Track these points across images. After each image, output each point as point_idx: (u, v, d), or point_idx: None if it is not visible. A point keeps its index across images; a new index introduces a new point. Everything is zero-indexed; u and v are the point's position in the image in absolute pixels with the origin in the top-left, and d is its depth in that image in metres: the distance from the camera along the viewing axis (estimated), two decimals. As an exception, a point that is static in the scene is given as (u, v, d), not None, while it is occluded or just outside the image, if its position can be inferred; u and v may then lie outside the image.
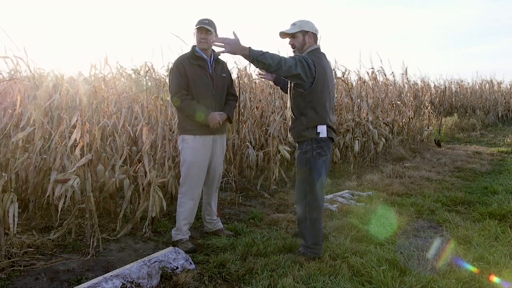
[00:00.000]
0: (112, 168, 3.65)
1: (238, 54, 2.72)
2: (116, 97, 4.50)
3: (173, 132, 4.10)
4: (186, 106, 3.23)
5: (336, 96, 6.51)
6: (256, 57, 2.68)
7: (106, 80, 4.67)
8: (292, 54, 3.12)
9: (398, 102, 8.30)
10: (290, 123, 3.17)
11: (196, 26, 3.26)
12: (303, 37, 3.05)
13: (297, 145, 3.16)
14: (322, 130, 2.98)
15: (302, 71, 2.82)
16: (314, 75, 2.89)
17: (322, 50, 3.12)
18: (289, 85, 3.16)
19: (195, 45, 3.34)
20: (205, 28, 3.23)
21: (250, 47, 2.69)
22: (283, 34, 3.10)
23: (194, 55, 3.30)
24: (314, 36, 3.09)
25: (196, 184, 3.34)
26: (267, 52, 2.72)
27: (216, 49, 3.18)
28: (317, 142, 2.99)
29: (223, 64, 3.49)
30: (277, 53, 2.78)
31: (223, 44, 2.68)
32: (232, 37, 2.68)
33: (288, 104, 3.16)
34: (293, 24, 3.07)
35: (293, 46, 3.10)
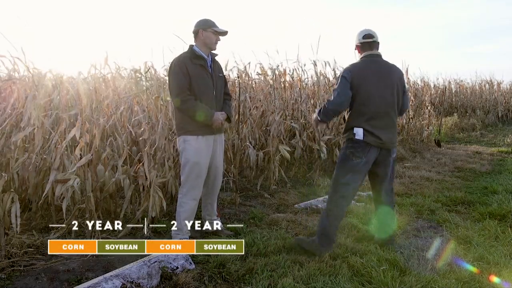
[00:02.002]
0: (112, 168, 3.65)
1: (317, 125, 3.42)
2: (116, 97, 4.50)
3: (173, 132, 4.10)
4: (192, 107, 3.20)
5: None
6: (317, 120, 3.24)
7: (106, 80, 4.67)
8: None
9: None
10: None
11: (214, 27, 3.28)
12: (356, 50, 3.32)
13: None
14: (358, 132, 3.10)
15: (347, 95, 3.08)
16: (350, 87, 3.09)
17: (377, 57, 3.25)
18: None
19: (193, 45, 3.34)
20: (226, 32, 3.34)
21: (317, 116, 3.23)
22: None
23: (195, 54, 3.28)
24: (362, 46, 3.24)
25: (198, 185, 3.33)
26: (319, 111, 3.19)
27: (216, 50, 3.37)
28: (352, 142, 3.12)
29: (219, 65, 3.52)
30: None
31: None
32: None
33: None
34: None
35: None
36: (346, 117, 3.27)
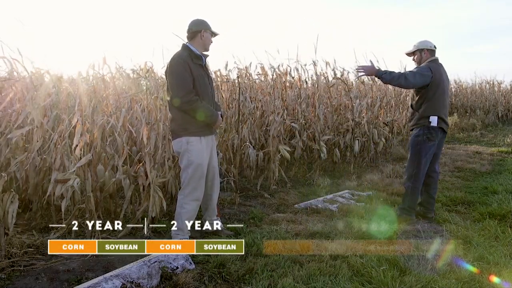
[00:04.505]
0: (112, 168, 3.65)
1: (372, 76, 4.21)
2: (116, 97, 4.49)
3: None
4: (198, 107, 3.20)
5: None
6: (379, 76, 3.89)
7: (105, 80, 4.66)
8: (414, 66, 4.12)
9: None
10: (409, 115, 4.22)
11: (211, 30, 3.34)
12: (420, 54, 4.05)
13: (412, 131, 4.14)
14: (433, 120, 3.89)
15: (422, 81, 3.85)
16: (431, 80, 3.85)
17: (439, 61, 4.06)
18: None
19: (188, 43, 3.33)
20: (217, 35, 3.44)
21: (378, 69, 3.94)
22: (407, 54, 4.17)
23: (195, 54, 3.28)
24: (430, 51, 4.04)
25: (201, 186, 3.34)
26: (390, 72, 3.88)
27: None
28: (428, 129, 3.91)
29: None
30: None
31: (362, 69, 3.97)
32: (369, 64, 4.00)
33: (410, 101, 4.21)
34: (414, 45, 4.09)
35: (414, 62, 4.13)
36: (421, 108, 3.95)
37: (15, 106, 3.63)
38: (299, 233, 3.57)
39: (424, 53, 4.03)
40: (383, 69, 4.00)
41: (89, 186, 3.21)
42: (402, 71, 4.04)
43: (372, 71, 3.95)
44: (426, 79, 3.84)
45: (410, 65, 12.03)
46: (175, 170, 3.90)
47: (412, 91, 4.17)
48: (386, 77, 3.84)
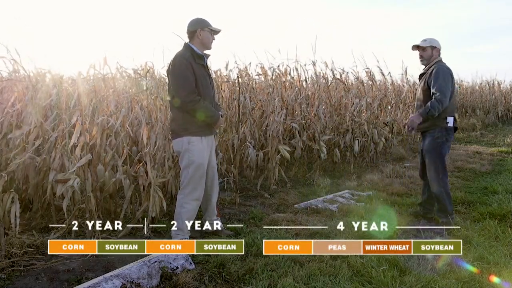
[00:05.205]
0: (112, 168, 3.65)
1: (419, 121, 3.76)
2: (116, 97, 4.49)
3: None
4: (202, 107, 3.21)
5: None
6: (426, 115, 3.70)
7: (105, 80, 4.66)
8: (419, 63, 4.00)
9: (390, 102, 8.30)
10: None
11: (211, 27, 3.32)
12: (431, 50, 3.88)
13: (424, 134, 3.95)
14: (450, 120, 3.79)
15: (450, 82, 3.73)
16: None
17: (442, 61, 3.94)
18: (419, 87, 3.99)
19: (189, 43, 3.33)
20: (220, 31, 3.40)
21: (421, 113, 3.72)
22: (414, 47, 3.93)
23: (197, 54, 3.28)
24: (439, 51, 3.92)
25: (201, 185, 3.35)
26: (425, 106, 3.70)
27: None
28: (446, 130, 3.79)
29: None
30: None
31: (409, 125, 3.81)
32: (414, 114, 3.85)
33: (418, 103, 3.97)
34: (424, 40, 3.90)
35: (421, 57, 3.92)
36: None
37: (16, 106, 3.64)
38: (299, 233, 3.57)
39: (435, 52, 3.90)
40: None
41: (89, 186, 3.21)
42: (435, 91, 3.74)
43: (416, 118, 3.76)
44: (449, 78, 3.74)
45: (410, 65, 11.98)
46: (175, 170, 3.90)
47: (421, 90, 3.94)
48: (431, 111, 3.66)
